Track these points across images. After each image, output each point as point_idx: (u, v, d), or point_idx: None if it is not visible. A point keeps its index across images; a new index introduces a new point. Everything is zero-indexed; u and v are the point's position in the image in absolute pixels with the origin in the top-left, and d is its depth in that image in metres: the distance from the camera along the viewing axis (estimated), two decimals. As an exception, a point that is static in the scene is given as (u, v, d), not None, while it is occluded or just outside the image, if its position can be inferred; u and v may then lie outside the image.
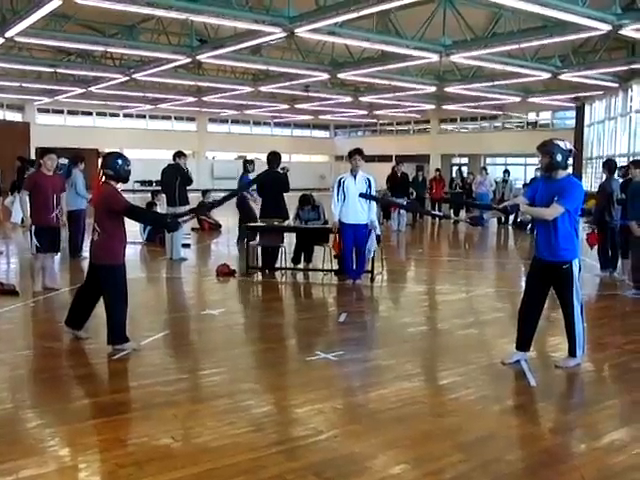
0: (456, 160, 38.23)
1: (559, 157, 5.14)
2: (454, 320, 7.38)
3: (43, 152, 8.43)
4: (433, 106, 31.31)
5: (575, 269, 5.26)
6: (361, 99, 28.38)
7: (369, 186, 8.85)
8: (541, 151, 5.23)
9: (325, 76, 21.39)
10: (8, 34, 14.82)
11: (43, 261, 8.35)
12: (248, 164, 13.56)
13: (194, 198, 13.83)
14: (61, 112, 35.93)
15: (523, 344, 5.58)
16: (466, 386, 5.06)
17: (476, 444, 3.99)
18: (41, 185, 8.18)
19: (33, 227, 8.16)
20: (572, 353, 5.43)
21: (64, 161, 11.72)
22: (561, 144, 5.21)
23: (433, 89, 24.32)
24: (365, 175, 8.94)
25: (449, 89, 24.12)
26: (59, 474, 3.55)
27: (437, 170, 21.97)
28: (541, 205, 5.22)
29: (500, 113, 34.37)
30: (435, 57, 17.04)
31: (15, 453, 3.76)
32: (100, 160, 5.82)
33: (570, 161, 5.38)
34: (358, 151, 9.04)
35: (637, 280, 8.72)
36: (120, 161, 5.74)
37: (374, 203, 8.99)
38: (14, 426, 4.21)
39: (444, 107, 31.25)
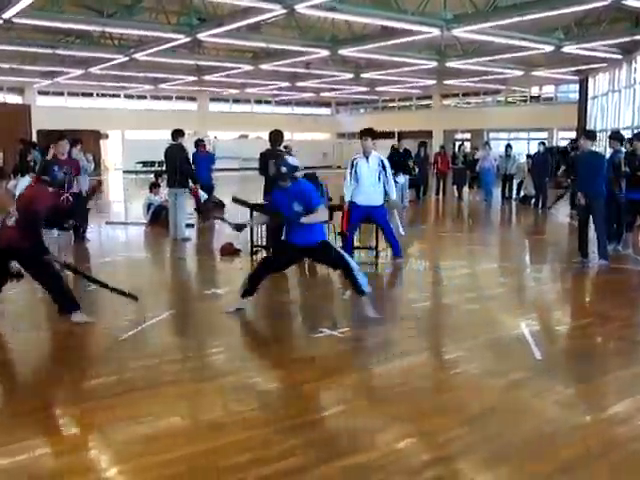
0: (459, 135, 38.07)
1: (284, 169, 5.99)
2: (458, 295, 7.41)
3: (59, 138, 9.09)
4: (435, 82, 31.10)
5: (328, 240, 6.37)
6: (362, 76, 28.20)
7: (383, 167, 8.72)
8: (273, 162, 6.11)
9: (326, 53, 21.24)
10: (5, 15, 14.71)
11: (57, 238, 8.54)
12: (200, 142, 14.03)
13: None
14: (61, 94, 35.81)
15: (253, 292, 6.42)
16: (471, 360, 5.09)
17: (480, 418, 4.03)
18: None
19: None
20: (362, 293, 6.13)
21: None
22: (290, 160, 6.14)
23: (434, 64, 24.14)
24: (378, 156, 8.80)
25: (451, 64, 23.93)
26: (69, 452, 3.59)
27: (441, 147, 22.02)
28: (285, 208, 6.07)
29: (503, 87, 34.13)
30: (436, 32, 16.89)
31: (27, 432, 3.81)
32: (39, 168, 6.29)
33: (298, 174, 6.20)
34: (367, 131, 8.79)
35: (582, 247, 9.00)
36: (56, 168, 6.30)
37: (392, 183, 8.91)
38: (24, 405, 4.25)
39: (446, 82, 31.04)
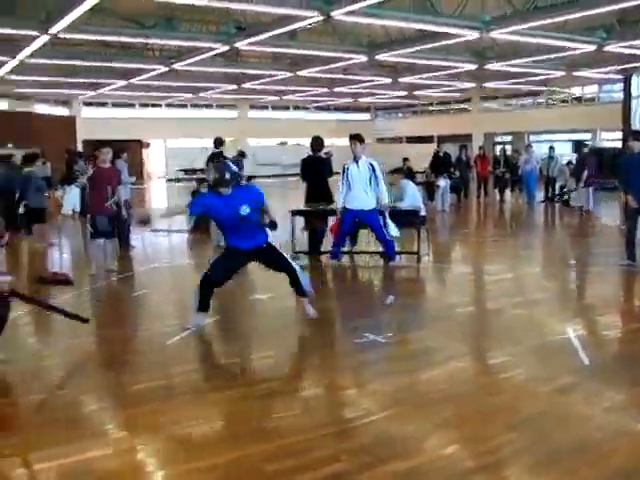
0: (499, 138, 37.67)
1: (227, 175, 5.90)
2: (502, 300, 7.33)
3: (97, 147, 9.32)
4: (474, 84, 30.84)
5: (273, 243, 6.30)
6: (400, 80, 28.11)
7: (373, 170, 8.80)
8: (212, 168, 6.05)
9: (363, 58, 21.23)
10: (52, 30, 15.07)
11: (104, 246, 8.98)
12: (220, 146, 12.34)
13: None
14: (105, 105, 36.52)
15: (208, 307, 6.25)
16: (517, 366, 5.03)
17: (528, 424, 3.98)
18: (96, 177, 9.03)
19: (89, 215, 9.10)
20: (304, 294, 6.35)
21: None
22: (232, 166, 6.10)
23: (473, 67, 23.95)
24: (368, 160, 8.89)
25: (490, 66, 23.69)
26: (117, 456, 3.67)
27: (480, 148, 21.76)
28: (229, 213, 5.95)
29: (543, 89, 33.66)
30: (475, 34, 16.74)
31: (78, 435, 3.90)
32: None
33: (242, 180, 6.43)
34: (355, 136, 8.94)
35: (630, 250, 8.81)
36: None
37: (382, 186, 8.94)
38: (74, 409, 4.36)
39: (485, 85, 30.75)
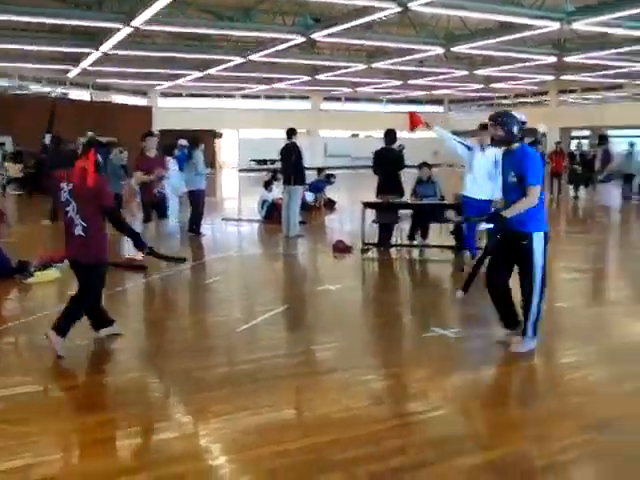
0: (574, 133, 36.54)
1: (515, 129, 5.01)
2: (578, 299, 7.15)
3: (145, 135, 9.22)
4: (552, 77, 30.02)
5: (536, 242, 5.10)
6: (476, 72, 27.63)
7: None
8: (495, 122, 5.06)
9: (439, 50, 20.97)
10: (134, 23, 15.48)
11: (160, 229, 9.12)
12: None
13: (309, 176, 14.00)
14: (181, 95, 37.27)
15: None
16: (593, 365, 4.91)
17: (602, 425, 3.87)
18: (142, 165, 8.91)
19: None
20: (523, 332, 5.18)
21: (184, 142, 12.45)
22: (517, 116, 5.08)
23: (553, 59, 23.30)
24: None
25: (570, 59, 23.00)
26: (186, 438, 3.75)
27: (557, 143, 21.18)
28: (505, 177, 5.13)
29: (626, 82, 32.43)
30: (556, 25, 16.29)
31: (150, 417, 4.03)
32: (86, 147, 5.12)
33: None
34: (486, 125, 8.66)
35: None
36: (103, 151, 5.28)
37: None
38: (145, 393, 4.50)
39: (563, 78, 29.88)
